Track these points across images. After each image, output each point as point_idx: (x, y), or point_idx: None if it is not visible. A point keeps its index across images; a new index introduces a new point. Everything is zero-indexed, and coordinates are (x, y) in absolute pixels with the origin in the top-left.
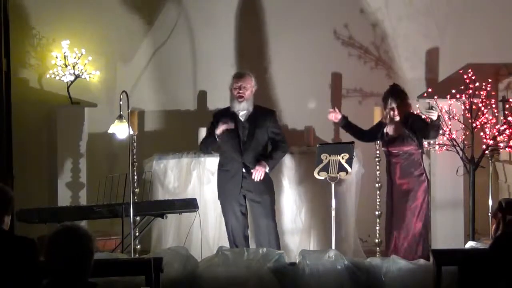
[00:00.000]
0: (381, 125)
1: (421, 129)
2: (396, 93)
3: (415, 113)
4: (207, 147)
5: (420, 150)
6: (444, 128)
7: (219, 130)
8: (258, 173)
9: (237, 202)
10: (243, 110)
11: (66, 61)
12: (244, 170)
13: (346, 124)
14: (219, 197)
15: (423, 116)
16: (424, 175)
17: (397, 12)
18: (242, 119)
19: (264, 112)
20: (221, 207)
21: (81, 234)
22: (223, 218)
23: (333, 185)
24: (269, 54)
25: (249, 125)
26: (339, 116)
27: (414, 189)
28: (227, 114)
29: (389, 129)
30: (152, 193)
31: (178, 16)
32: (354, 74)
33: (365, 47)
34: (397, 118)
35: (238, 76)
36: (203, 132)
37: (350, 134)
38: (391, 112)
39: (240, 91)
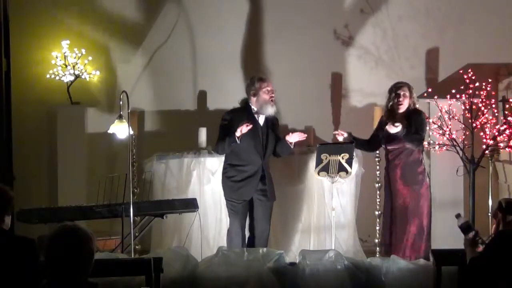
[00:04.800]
0: (381, 123)
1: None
2: (408, 85)
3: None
4: (224, 148)
5: (419, 148)
6: (444, 128)
7: (239, 132)
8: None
9: (247, 203)
10: (272, 114)
11: (66, 61)
12: (262, 172)
13: (352, 140)
14: (229, 195)
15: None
16: (426, 173)
17: (397, 12)
18: (261, 123)
19: (271, 116)
20: (229, 206)
21: (81, 234)
22: (223, 218)
23: (333, 185)
24: (269, 54)
25: (266, 128)
26: (345, 134)
27: (417, 188)
28: (243, 115)
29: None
30: (152, 193)
31: (178, 16)
32: (354, 74)
33: (365, 47)
34: (402, 107)
35: (266, 80)
36: (203, 132)
37: (358, 149)
38: (398, 99)
39: (272, 95)
